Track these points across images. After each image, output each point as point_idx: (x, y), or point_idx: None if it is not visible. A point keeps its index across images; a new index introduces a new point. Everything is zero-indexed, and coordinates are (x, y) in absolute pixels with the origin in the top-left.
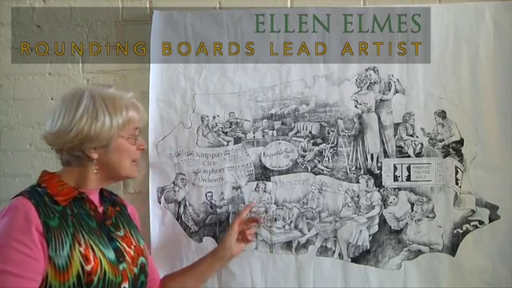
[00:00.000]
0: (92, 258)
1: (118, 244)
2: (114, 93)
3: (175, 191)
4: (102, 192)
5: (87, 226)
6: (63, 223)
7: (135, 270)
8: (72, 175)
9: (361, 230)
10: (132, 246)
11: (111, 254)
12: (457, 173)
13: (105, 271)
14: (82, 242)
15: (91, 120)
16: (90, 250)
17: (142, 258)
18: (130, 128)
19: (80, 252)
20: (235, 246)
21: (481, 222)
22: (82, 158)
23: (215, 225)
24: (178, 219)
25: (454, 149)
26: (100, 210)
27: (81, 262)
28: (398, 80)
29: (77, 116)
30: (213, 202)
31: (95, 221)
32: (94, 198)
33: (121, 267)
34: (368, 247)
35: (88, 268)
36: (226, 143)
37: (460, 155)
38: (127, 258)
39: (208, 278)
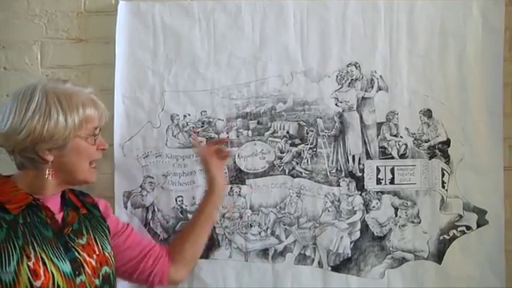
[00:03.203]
0: (42, 272)
1: (77, 254)
2: (70, 88)
3: (143, 195)
4: (64, 195)
5: (41, 236)
6: (11, 234)
7: (96, 281)
8: (26, 179)
9: (342, 237)
10: (94, 256)
11: (66, 267)
12: (443, 175)
13: (58, 286)
14: (32, 255)
15: (44, 119)
16: (41, 264)
17: (105, 268)
18: (89, 127)
19: (28, 266)
20: (218, 173)
21: (468, 228)
22: (36, 160)
23: None
24: (145, 226)
25: (440, 150)
26: (59, 216)
27: (29, 278)
28: (381, 77)
29: (28, 114)
30: (183, 206)
31: (51, 230)
32: (53, 203)
33: (78, 280)
34: (349, 255)
35: (37, 284)
36: (197, 144)
37: (446, 156)
38: (87, 269)
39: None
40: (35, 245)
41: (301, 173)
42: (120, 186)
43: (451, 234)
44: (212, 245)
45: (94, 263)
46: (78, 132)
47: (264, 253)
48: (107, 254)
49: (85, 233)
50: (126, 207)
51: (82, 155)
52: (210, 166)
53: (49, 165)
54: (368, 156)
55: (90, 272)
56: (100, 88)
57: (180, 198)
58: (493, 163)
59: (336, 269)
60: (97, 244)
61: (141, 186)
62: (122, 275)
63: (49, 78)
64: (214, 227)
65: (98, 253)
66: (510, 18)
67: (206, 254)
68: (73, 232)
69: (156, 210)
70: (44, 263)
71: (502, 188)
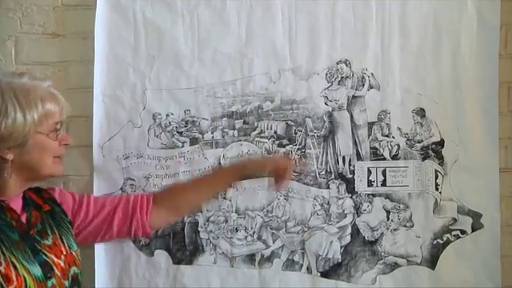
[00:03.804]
0: (14, 277)
1: (45, 257)
2: (27, 83)
3: None
4: (24, 194)
5: (8, 240)
6: None
7: (66, 283)
8: None
9: (331, 241)
10: (62, 256)
11: (37, 270)
12: (437, 177)
13: None
14: (2, 259)
15: (1, 118)
16: (12, 268)
17: (73, 269)
18: (49, 123)
19: (0, 271)
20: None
21: (463, 232)
22: None
23: (168, 236)
24: None
25: (434, 150)
26: (23, 217)
27: (1, 283)
28: (372, 74)
29: None
30: None
31: (17, 232)
32: (16, 204)
33: (49, 283)
34: (339, 260)
35: None
36: (180, 144)
37: (440, 158)
38: (56, 271)
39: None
40: (4, 249)
41: None
42: (99, 188)
43: (445, 239)
44: (196, 250)
45: (62, 264)
46: (38, 128)
47: (250, 258)
48: (74, 253)
49: (50, 232)
50: None
51: (45, 152)
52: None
53: (9, 164)
54: (359, 157)
55: (59, 274)
56: (78, 86)
57: None
58: (488, 164)
59: (325, 275)
60: (63, 243)
61: (121, 189)
62: (103, 239)
63: (3, 72)
64: (199, 232)
65: (65, 253)
66: (506, 14)
67: (190, 259)
68: (38, 233)
69: None
70: (15, 267)
71: (498, 190)
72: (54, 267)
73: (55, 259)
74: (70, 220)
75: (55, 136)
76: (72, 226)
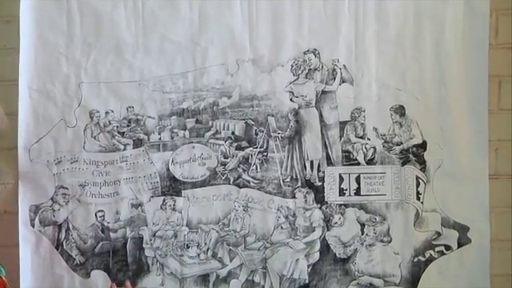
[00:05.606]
0: None
1: None
2: None
3: (54, 210)
4: None
5: None
6: None
7: None
8: None
9: (297, 259)
10: None
11: None
12: (418, 185)
13: None
14: None
15: None
16: None
17: None
18: None
19: None
20: None
21: (448, 248)
22: None
23: (108, 254)
24: (57, 247)
25: (415, 154)
26: None
27: None
28: (344, 66)
29: None
30: (105, 224)
31: None
32: None
33: None
34: (307, 281)
35: None
36: (122, 147)
37: (422, 162)
38: None
39: None
40: None
41: (248, 182)
42: (25, 198)
43: (427, 255)
44: (140, 270)
45: None
46: None
47: (203, 279)
48: (4, 278)
49: None
50: (32, 225)
51: None
52: None
53: None
54: (329, 162)
55: None
56: (0, 78)
57: (101, 213)
58: (476, 170)
59: None
60: None
61: (52, 199)
62: None
63: None
64: (143, 249)
65: None
66: None
67: (133, 280)
68: None
69: (71, 227)
70: None
71: (487, 200)
72: None
73: None
74: None
75: None
76: None
